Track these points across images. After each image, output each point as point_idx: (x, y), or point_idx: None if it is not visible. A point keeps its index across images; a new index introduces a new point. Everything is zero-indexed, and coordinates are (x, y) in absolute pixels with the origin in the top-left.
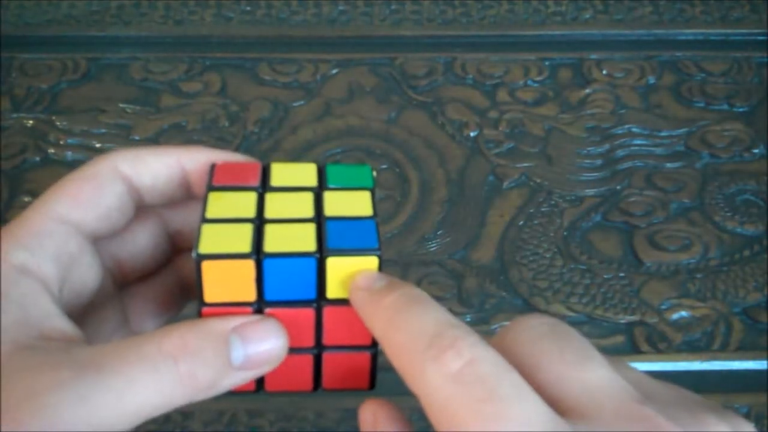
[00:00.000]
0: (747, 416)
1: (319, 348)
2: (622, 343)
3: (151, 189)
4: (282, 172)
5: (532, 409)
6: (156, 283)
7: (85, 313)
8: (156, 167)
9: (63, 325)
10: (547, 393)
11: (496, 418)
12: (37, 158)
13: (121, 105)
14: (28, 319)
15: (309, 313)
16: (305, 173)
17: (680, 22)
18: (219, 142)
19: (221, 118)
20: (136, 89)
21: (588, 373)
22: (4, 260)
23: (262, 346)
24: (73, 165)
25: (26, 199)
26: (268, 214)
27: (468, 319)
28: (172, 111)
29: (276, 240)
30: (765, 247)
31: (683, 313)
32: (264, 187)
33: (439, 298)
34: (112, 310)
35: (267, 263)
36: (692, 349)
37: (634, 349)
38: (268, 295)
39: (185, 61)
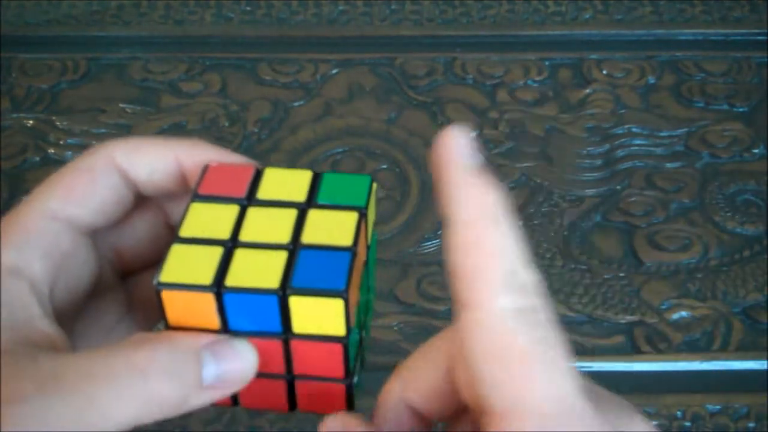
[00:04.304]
0: (747, 416)
1: (291, 375)
2: (622, 343)
3: (147, 182)
4: (273, 181)
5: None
6: None
7: (83, 306)
8: (153, 160)
9: (47, 328)
10: None
11: (552, 362)
12: (37, 158)
13: (121, 105)
14: (13, 323)
15: (277, 344)
16: (298, 182)
17: (680, 22)
18: (219, 142)
19: (221, 118)
20: (136, 89)
21: None
22: None
23: (234, 365)
24: None
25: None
26: (243, 235)
27: None
28: (172, 111)
29: (241, 271)
30: (765, 247)
31: (683, 313)
32: (250, 198)
33: (439, 298)
34: (113, 302)
35: (227, 297)
36: (692, 349)
37: (634, 349)
38: (233, 326)
39: (185, 61)
